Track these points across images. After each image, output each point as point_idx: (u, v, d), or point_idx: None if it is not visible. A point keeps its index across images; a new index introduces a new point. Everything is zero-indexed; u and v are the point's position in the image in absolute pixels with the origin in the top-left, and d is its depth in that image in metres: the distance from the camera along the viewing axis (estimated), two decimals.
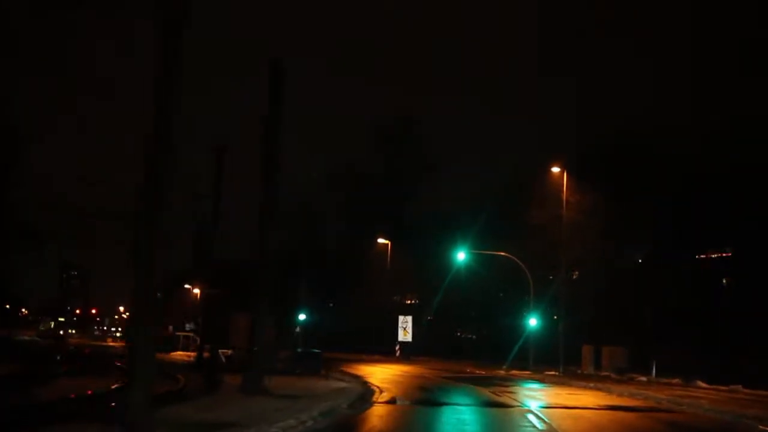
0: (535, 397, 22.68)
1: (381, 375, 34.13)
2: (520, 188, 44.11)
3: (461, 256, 41.21)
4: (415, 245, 61.87)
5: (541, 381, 31.78)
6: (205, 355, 35.67)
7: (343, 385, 23.43)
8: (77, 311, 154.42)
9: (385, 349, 60.24)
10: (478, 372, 38.67)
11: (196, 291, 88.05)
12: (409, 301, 70.00)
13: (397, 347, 56.95)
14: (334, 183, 73.86)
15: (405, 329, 57.26)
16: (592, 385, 27.85)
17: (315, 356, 30.77)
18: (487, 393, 23.26)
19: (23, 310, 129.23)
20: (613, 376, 34.72)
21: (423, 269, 60.47)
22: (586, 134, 41.09)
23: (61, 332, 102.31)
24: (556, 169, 37.17)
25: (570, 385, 28.70)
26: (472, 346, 61.49)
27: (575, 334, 39.82)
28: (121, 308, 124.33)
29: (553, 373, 36.63)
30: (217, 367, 29.03)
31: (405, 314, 58.73)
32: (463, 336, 65.32)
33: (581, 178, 37.25)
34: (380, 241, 63.29)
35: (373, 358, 56.86)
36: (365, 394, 21.10)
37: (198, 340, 52.02)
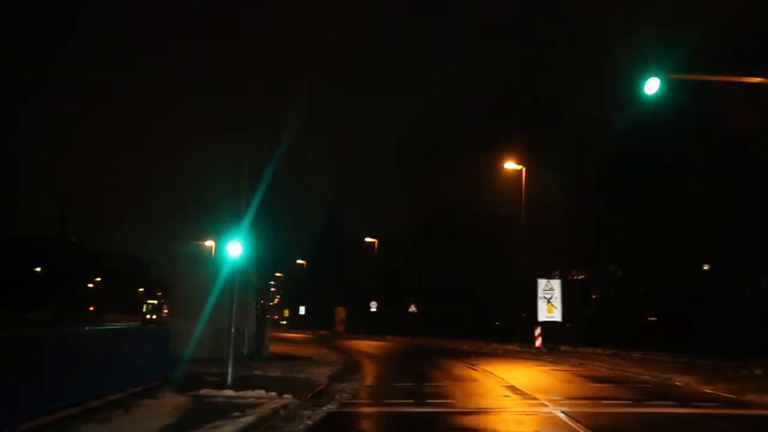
0: None
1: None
2: None
3: (652, 86, 17.03)
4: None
5: None
6: None
7: None
8: None
9: (520, 335, 37.60)
10: (707, 391, 15.27)
11: None
12: (576, 275, 46.28)
13: (537, 332, 33.90)
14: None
15: (549, 301, 34.15)
16: None
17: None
18: None
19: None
20: None
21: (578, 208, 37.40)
22: None
23: (151, 316, 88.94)
24: None
25: None
26: (673, 326, 36.97)
27: None
28: None
29: None
30: None
31: (548, 277, 35.50)
32: (651, 312, 40.52)
33: None
34: (510, 166, 40.31)
35: (502, 349, 34.59)
36: None
37: None
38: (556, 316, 34.28)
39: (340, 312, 71.93)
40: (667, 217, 33.98)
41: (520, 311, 39.69)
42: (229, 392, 11.92)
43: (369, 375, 18.49)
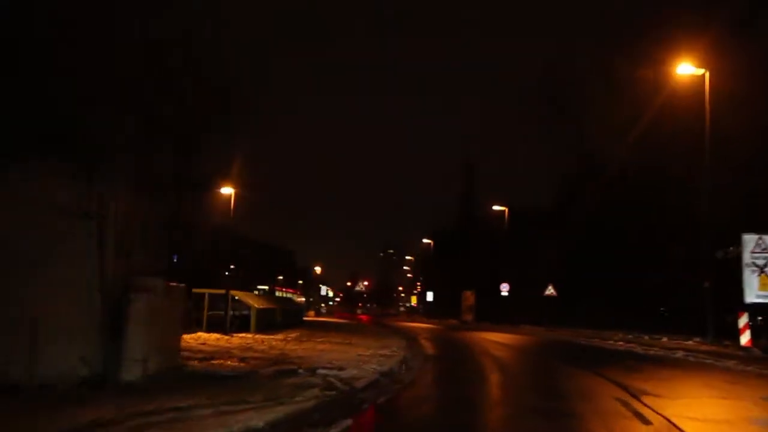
0: None
1: None
2: None
3: None
4: None
5: None
6: None
7: None
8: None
9: (707, 325, 24.11)
10: None
11: None
12: None
13: (742, 322, 20.20)
14: None
15: (763, 271, 20.45)
16: None
17: None
18: None
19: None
20: None
21: None
22: None
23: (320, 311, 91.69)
24: None
25: None
26: None
27: None
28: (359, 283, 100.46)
29: None
30: None
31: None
32: None
33: None
34: (685, 71, 26.68)
35: (681, 350, 21.26)
36: None
37: None
38: None
39: (468, 297, 59.80)
40: None
41: (707, 289, 25.93)
42: None
43: None
